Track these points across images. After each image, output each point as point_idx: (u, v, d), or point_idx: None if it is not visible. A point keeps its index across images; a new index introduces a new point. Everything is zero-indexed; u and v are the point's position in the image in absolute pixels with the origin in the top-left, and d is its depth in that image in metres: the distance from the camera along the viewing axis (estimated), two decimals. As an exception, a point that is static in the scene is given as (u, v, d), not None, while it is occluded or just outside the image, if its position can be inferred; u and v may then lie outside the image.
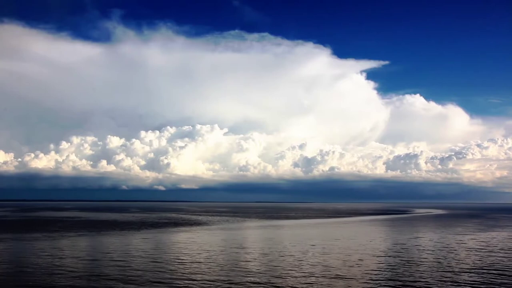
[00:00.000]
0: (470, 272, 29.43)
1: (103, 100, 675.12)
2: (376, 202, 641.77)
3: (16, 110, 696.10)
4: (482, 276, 28.01)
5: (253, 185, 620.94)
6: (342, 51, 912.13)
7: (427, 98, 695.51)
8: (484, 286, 25.37)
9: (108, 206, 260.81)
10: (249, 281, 26.46)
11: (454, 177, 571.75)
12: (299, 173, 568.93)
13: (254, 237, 58.07)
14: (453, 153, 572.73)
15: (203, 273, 29.05)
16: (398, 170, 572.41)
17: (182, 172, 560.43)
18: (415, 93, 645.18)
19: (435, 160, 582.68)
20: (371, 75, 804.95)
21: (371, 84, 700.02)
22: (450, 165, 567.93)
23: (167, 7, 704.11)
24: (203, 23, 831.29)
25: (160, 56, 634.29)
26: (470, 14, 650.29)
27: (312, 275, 28.20)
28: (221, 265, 31.95)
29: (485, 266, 31.86)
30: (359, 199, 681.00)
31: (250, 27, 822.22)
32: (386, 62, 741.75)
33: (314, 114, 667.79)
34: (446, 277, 27.66)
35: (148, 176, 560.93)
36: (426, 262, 33.88)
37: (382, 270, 30.23)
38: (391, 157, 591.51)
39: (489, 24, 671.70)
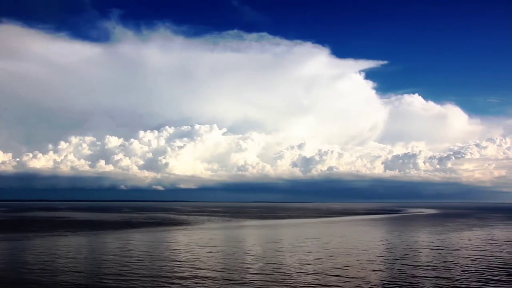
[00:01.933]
0: (415, 269, 29.78)
1: (102, 100, 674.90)
2: (375, 202, 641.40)
3: (15, 110, 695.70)
4: (422, 273, 28.38)
5: (251, 185, 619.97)
6: (340, 51, 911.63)
7: (425, 97, 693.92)
8: (420, 282, 25.74)
9: (103, 206, 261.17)
10: (191, 275, 26.83)
11: (453, 176, 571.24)
12: (297, 173, 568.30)
13: (226, 236, 58.37)
14: (451, 153, 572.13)
15: (151, 269, 29.41)
16: (397, 170, 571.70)
17: (181, 172, 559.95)
18: (413, 93, 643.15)
19: (433, 160, 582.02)
20: (369, 74, 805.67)
21: (369, 84, 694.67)
22: (449, 165, 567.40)
23: (165, 7, 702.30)
24: (201, 23, 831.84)
25: (158, 56, 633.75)
26: (469, 14, 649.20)
27: (260, 273, 28.56)
28: (175, 263, 32.29)
29: (433, 264, 32.22)
30: (357, 199, 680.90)
31: (249, 27, 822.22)
32: (385, 62, 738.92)
33: (313, 114, 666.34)
34: (388, 275, 28.02)
35: (147, 176, 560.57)
36: (379, 261, 34.23)
37: (330, 268, 30.57)
38: (389, 156, 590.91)
39: (488, 24, 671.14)
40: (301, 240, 49.59)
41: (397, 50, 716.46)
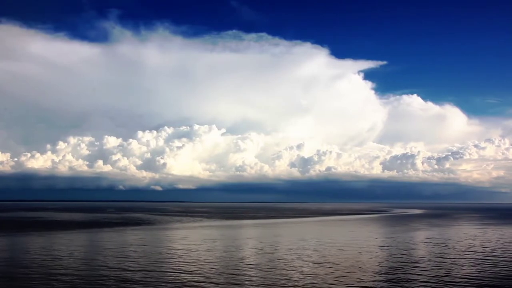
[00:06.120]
0: (343, 267, 30.06)
1: (101, 101, 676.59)
2: (372, 203, 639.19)
3: (13, 110, 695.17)
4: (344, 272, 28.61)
5: (249, 185, 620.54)
6: (340, 51, 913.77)
7: (424, 98, 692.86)
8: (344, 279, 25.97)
9: (95, 206, 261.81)
10: (89, 269, 27.12)
11: (451, 177, 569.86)
12: (295, 173, 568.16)
13: (177, 236, 58.51)
14: (450, 153, 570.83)
15: (59, 269, 29.73)
16: (395, 170, 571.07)
17: (179, 172, 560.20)
18: (412, 93, 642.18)
19: (432, 160, 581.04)
20: (368, 75, 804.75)
21: (368, 84, 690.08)
22: (447, 165, 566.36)
23: (164, 7, 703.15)
24: (200, 23, 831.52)
25: (157, 56, 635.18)
26: (467, 14, 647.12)
27: (193, 274, 28.86)
28: (104, 263, 32.58)
29: (333, 260, 32.48)
30: (355, 199, 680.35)
31: (248, 27, 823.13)
32: (384, 62, 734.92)
33: (312, 114, 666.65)
34: (321, 272, 28.26)
35: (145, 176, 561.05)
36: (314, 260, 34.47)
37: (270, 266, 30.85)
38: (388, 157, 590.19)
39: (487, 24, 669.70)
40: (251, 240, 49.82)
41: (396, 51, 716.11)
